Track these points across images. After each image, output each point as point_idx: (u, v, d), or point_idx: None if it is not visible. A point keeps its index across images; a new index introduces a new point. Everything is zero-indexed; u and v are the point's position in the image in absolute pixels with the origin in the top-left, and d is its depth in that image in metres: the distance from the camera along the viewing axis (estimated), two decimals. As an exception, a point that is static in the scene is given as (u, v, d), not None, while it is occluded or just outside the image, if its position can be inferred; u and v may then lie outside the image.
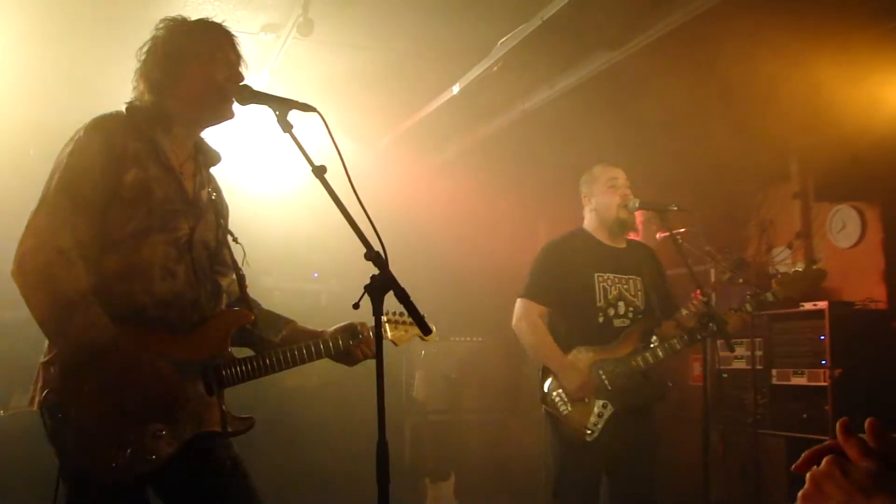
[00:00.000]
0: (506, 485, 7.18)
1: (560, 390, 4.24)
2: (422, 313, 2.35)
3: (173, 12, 5.33)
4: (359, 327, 3.00)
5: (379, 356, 2.30)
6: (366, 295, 2.30)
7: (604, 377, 4.21)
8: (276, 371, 2.85)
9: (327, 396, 6.68)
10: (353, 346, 2.98)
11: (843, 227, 6.39)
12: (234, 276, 2.94)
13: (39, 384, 2.51)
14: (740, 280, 5.49)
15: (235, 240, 2.96)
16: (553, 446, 4.34)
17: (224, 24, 2.89)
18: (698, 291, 4.26)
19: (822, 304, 5.38)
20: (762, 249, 7.03)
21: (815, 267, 4.44)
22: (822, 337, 5.30)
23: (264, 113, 2.59)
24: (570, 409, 4.22)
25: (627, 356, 4.25)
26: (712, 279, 6.40)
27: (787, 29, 4.76)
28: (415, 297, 2.32)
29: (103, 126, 2.62)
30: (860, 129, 5.28)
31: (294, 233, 7.06)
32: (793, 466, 1.25)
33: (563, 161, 5.98)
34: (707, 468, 4.27)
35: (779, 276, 4.34)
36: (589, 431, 4.16)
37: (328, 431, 6.41)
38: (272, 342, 2.98)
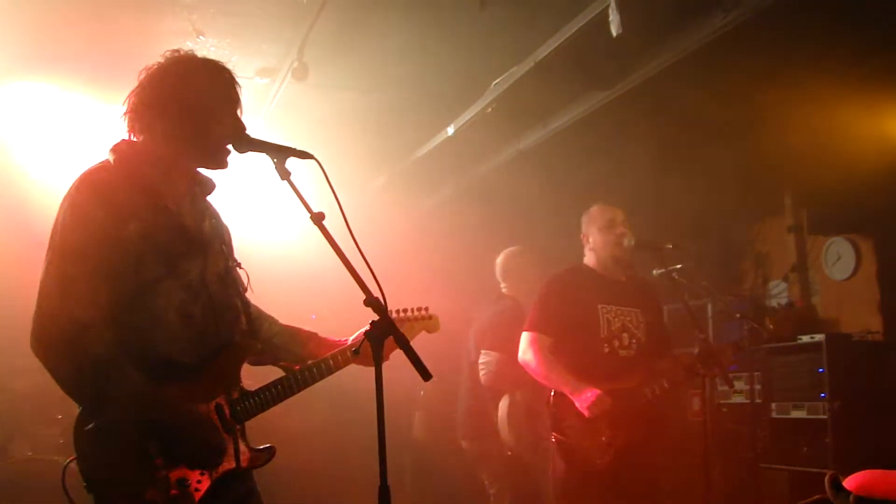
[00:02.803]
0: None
1: (571, 419, 4.26)
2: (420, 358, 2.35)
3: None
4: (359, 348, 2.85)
5: (379, 399, 2.29)
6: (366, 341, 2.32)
7: (616, 408, 4.21)
8: (291, 395, 2.85)
9: (328, 438, 6.64)
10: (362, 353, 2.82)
11: (838, 259, 6.42)
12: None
13: (78, 451, 2.46)
14: (737, 315, 5.51)
15: (239, 265, 2.92)
16: (561, 476, 4.34)
17: (229, 66, 2.86)
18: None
19: (820, 337, 5.39)
20: (758, 283, 7.05)
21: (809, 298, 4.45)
22: (821, 370, 5.30)
23: (261, 159, 2.61)
24: (581, 437, 4.23)
25: (635, 388, 4.27)
26: (709, 314, 6.41)
27: (781, 65, 4.82)
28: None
29: (94, 182, 2.56)
30: (854, 162, 5.32)
31: (292, 274, 7.06)
32: None
33: (557, 200, 6.02)
34: (708, 502, 4.26)
35: (774, 314, 4.37)
36: (600, 460, 4.17)
37: (329, 474, 6.38)
38: (299, 354, 3.02)
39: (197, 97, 2.71)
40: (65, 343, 2.36)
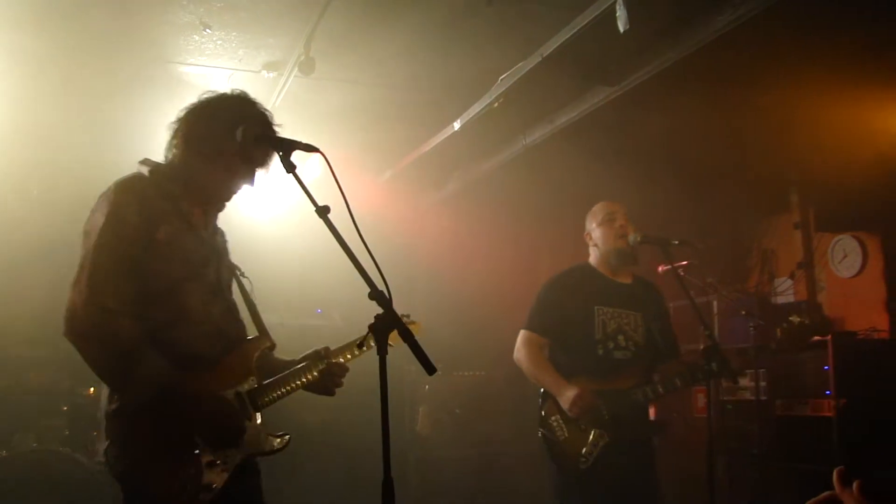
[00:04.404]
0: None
1: (558, 416, 4.27)
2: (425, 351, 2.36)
3: (171, 50, 5.46)
4: (322, 352, 3.13)
5: (384, 394, 2.30)
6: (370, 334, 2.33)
7: (602, 408, 4.21)
8: (303, 387, 3.06)
9: (331, 433, 6.65)
10: (322, 372, 3.08)
11: (845, 256, 6.41)
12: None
13: (106, 433, 2.65)
14: (743, 312, 5.50)
15: (242, 274, 3.15)
16: (551, 473, 4.35)
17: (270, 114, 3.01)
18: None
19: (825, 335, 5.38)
20: (764, 280, 7.04)
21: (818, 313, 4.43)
22: (826, 367, 5.29)
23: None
24: (566, 434, 4.24)
25: (628, 390, 4.26)
26: (715, 311, 6.41)
27: (788, 62, 4.81)
28: (417, 333, 2.33)
29: (132, 188, 2.77)
30: (861, 160, 5.31)
31: (297, 268, 7.07)
32: None
33: (564, 195, 6.02)
34: (713, 500, 4.25)
35: (784, 325, 4.34)
36: (583, 460, 4.16)
37: (333, 469, 6.40)
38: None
39: (220, 150, 2.89)
40: (95, 331, 2.56)
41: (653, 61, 4.98)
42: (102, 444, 2.66)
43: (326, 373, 3.09)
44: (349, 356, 3.17)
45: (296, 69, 5.36)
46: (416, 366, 2.33)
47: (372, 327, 2.34)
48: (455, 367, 7.50)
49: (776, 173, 6.32)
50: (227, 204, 3.09)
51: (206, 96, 3.00)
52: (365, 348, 2.80)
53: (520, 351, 4.52)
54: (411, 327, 3.24)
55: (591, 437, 4.19)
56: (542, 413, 4.36)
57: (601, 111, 5.60)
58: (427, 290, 6.96)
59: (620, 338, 4.40)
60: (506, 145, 6.72)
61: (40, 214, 6.19)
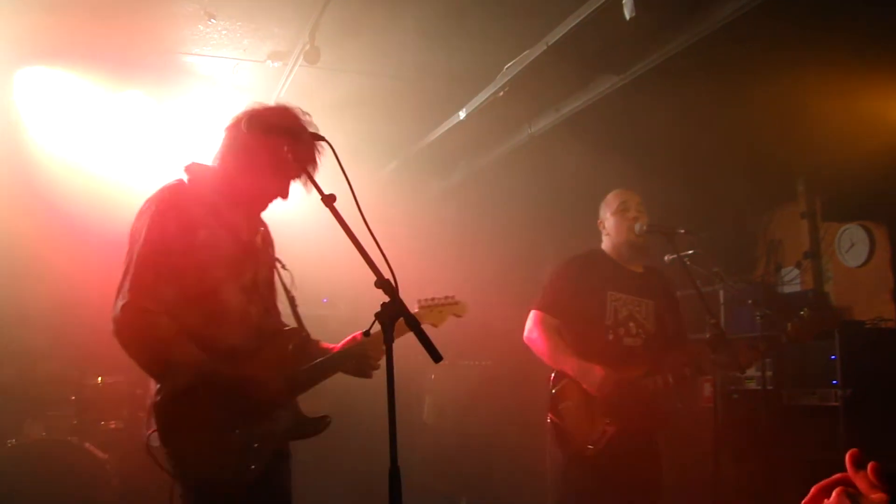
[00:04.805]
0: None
1: (568, 401, 4.25)
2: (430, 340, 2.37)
3: (176, 40, 5.45)
4: (359, 337, 3.23)
5: (390, 381, 2.30)
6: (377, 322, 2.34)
7: (625, 390, 4.20)
8: (332, 374, 3.18)
9: (338, 420, 6.65)
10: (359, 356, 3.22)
11: (852, 246, 6.39)
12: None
13: (154, 418, 2.81)
14: (749, 301, 5.48)
15: (284, 266, 3.32)
16: (555, 459, 4.33)
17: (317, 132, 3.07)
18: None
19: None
20: (770, 269, 7.02)
21: (827, 305, 4.40)
22: (833, 357, 5.28)
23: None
24: (575, 421, 4.22)
25: (638, 378, 4.24)
26: (721, 300, 6.39)
27: (795, 51, 4.78)
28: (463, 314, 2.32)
29: (172, 196, 2.96)
30: (868, 149, 5.29)
31: (303, 258, 7.07)
32: (802, 502, 1.26)
33: (570, 184, 6.01)
34: (717, 490, 4.25)
35: (794, 319, 4.33)
36: (591, 446, 4.15)
37: (339, 457, 6.41)
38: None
39: (277, 156, 3.00)
40: (135, 330, 2.75)
41: (659, 50, 4.96)
42: (150, 428, 2.82)
43: (363, 356, 3.20)
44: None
45: (301, 58, 5.35)
46: (422, 355, 2.33)
47: (378, 315, 2.34)
48: (461, 357, 7.50)
49: (783, 163, 6.30)
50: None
51: (248, 107, 3.15)
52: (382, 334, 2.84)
53: (533, 331, 4.47)
54: (457, 307, 3.55)
55: (600, 424, 4.18)
56: (553, 396, 4.33)
57: (607, 100, 5.59)
58: (432, 280, 6.94)
59: (631, 325, 4.40)
60: (511, 134, 6.71)
61: (47, 206, 6.20)
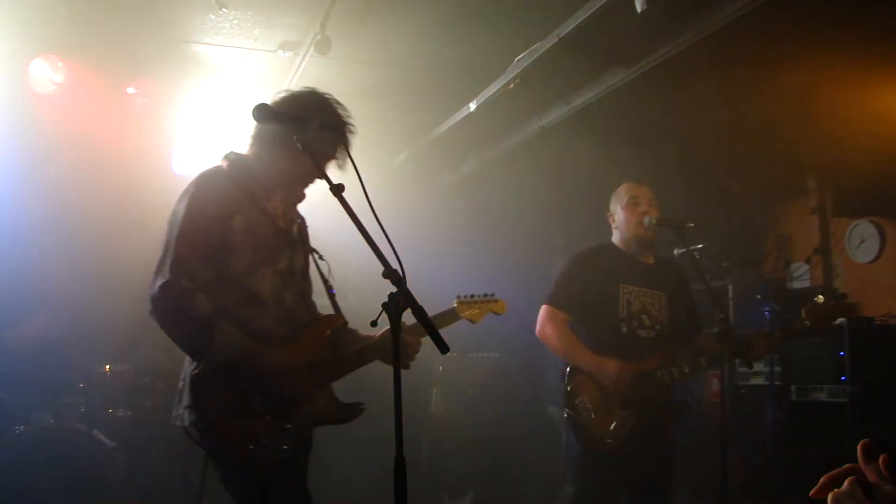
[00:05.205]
0: (524, 500, 7.15)
1: (584, 396, 4.25)
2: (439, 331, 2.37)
3: (187, 29, 5.46)
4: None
5: (396, 373, 2.31)
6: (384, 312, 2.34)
7: (640, 383, 4.20)
8: (366, 363, 3.20)
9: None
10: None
11: (862, 242, 6.36)
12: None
13: (186, 398, 2.89)
14: (758, 296, 5.47)
15: (321, 257, 3.38)
16: (573, 452, 4.34)
17: (351, 123, 3.21)
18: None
19: (841, 320, 5.33)
20: (780, 265, 7.00)
21: (840, 294, 4.38)
22: (842, 353, 5.26)
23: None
24: (592, 415, 4.22)
25: (653, 370, 4.24)
26: (730, 295, 6.38)
27: (806, 46, 4.76)
28: (431, 314, 2.34)
29: (211, 181, 3.02)
30: (880, 145, 5.26)
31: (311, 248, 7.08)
32: (811, 493, 1.25)
33: (580, 177, 5.99)
34: (725, 484, 4.24)
35: (808, 305, 4.31)
36: (609, 440, 4.16)
37: (346, 447, 6.42)
38: None
39: (314, 146, 2.97)
40: (174, 308, 2.82)
41: (670, 42, 4.94)
42: (183, 405, 2.88)
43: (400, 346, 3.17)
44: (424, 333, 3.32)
45: (312, 48, 5.35)
46: (430, 346, 2.33)
47: (385, 305, 2.34)
48: (469, 349, 7.50)
49: (793, 158, 6.27)
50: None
51: (279, 93, 3.18)
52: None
53: (545, 326, 4.46)
54: (496, 304, 3.60)
55: (617, 417, 4.18)
56: (568, 392, 4.33)
57: (617, 93, 5.56)
58: (441, 271, 6.95)
59: (644, 317, 4.39)
60: (521, 126, 6.69)
61: (58, 194, 6.23)
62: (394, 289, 2.34)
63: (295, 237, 3.25)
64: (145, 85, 6.34)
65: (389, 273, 2.34)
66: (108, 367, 6.19)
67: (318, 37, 5.22)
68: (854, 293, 6.39)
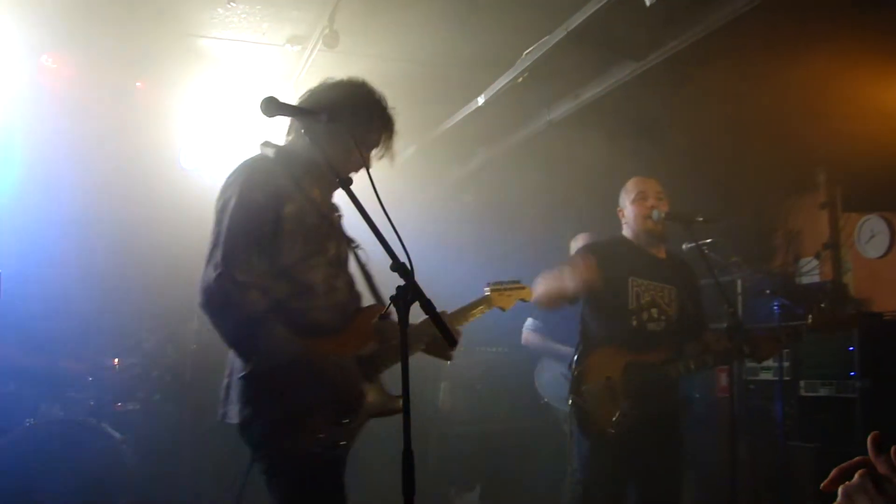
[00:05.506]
0: (531, 495, 7.15)
1: (589, 385, 4.26)
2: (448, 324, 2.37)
3: (195, 23, 5.47)
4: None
5: (405, 365, 2.31)
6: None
7: (634, 379, 4.21)
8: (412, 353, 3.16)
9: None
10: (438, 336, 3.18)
11: (872, 237, 6.34)
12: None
13: (236, 395, 2.84)
14: (767, 291, 5.46)
15: (358, 246, 3.27)
16: (579, 443, 4.35)
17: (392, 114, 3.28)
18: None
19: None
20: (789, 260, 6.98)
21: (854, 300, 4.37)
22: (851, 348, 5.24)
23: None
24: (598, 404, 4.22)
25: (660, 364, 4.25)
26: (739, 290, 6.36)
27: (816, 39, 4.73)
28: (440, 308, 2.34)
29: (259, 170, 2.97)
30: (890, 139, 5.23)
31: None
32: (822, 485, 1.25)
33: (589, 172, 5.98)
34: (734, 480, 4.24)
35: (815, 309, 4.32)
36: (612, 430, 4.16)
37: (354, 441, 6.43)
38: None
39: (361, 133, 3.07)
40: (226, 303, 2.75)
41: (679, 36, 4.92)
42: (234, 406, 2.83)
43: (438, 337, 3.16)
44: (465, 320, 3.40)
45: (320, 42, 5.34)
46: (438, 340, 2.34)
47: (394, 299, 2.34)
48: (477, 343, 7.50)
49: (803, 152, 6.25)
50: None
51: (322, 81, 3.22)
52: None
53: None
54: (523, 292, 3.62)
55: (621, 407, 4.19)
56: (575, 377, 4.35)
57: (626, 87, 5.54)
58: (450, 266, 6.95)
59: (654, 310, 4.39)
60: (530, 121, 6.68)
61: (66, 188, 6.24)
62: (401, 282, 2.34)
63: (338, 226, 3.21)
64: (153, 79, 6.35)
65: (398, 266, 2.34)
66: (116, 360, 6.22)
67: (327, 31, 5.21)
68: (863, 288, 6.37)
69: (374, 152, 3.17)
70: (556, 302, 4.40)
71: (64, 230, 6.10)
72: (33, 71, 5.91)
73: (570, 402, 4.36)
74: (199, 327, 6.38)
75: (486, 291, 3.58)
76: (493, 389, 7.59)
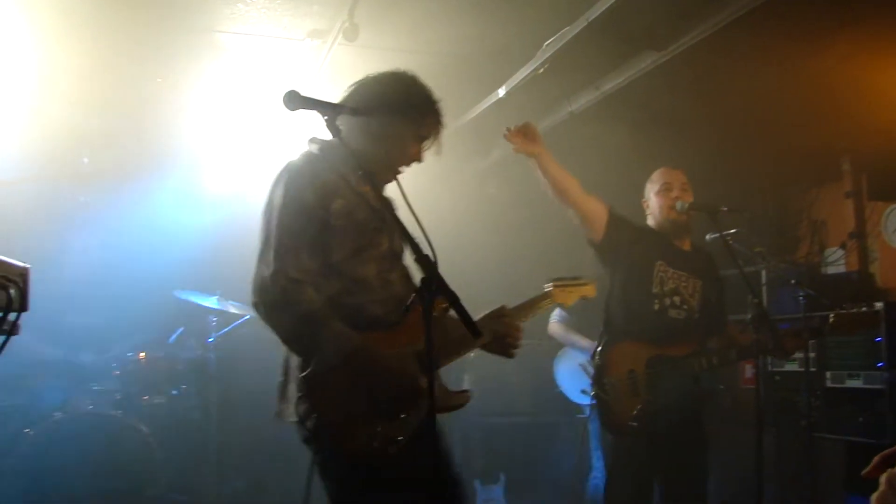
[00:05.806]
0: (556, 488, 7.15)
1: (612, 377, 4.26)
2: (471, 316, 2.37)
3: (215, 18, 5.48)
4: (499, 312, 3.25)
5: (430, 358, 2.31)
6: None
7: (656, 372, 4.20)
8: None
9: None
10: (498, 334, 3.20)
11: (899, 225, 6.29)
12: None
13: (294, 392, 2.79)
14: (792, 281, 5.41)
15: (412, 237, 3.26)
16: (603, 437, 4.37)
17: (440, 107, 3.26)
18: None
19: (878, 305, 5.25)
20: (814, 250, 6.93)
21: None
22: (878, 339, 5.20)
23: (312, 117, 2.67)
24: (620, 396, 4.22)
25: (683, 357, 4.24)
26: (763, 281, 6.32)
27: (840, 26, 4.68)
28: (464, 301, 2.33)
29: (306, 167, 2.96)
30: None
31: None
32: (864, 472, 1.24)
33: (610, 163, 5.95)
34: (760, 472, 4.22)
35: (837, 311, 4.30)
36: (633, 423, 4.16)
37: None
38: None
39: (409, 129, 3.12)
40: (281, 301, 2.74)
41: (700, 25, 4.87)
42: (292, 404, 2.79)
43: (502, 334, 3.20)
44: (527, 316, 3.36)
45: (340, 36, 5.34)
46: (462, 332, 2.33)
47: (419, 291, 2.36)
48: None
49: (827, 141, 6.19)
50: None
51: (370, 75, 3.17)
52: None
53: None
54: (586, 289, 3.58)
55: (643, 400, 4.18)
56: (599, 368, 4.35)
57: (648, 77, 5.51)
58: (473, 258, 6.95)
59: (676, 298, 4.39)
60: (551, 112, 6.65)
61: (91, 185, 6.29)
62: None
63: (389, 219, 3.12)
64: (174, 75, 6.37)
65: (421, 258, 2.35)
66: (142, 354, 6.28)
67: (346, 24, 5.21)
68: (890, 278, 6.31)
69: (425, 144, 3.20)
70: (562, 184, 4.66)
71: (89, 224, 6.15)
72: (53, 65, 5.93)
73: (593, 394, 4.36)
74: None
75: (548, 287, 3.56)
76: (517, 381, 7.59)
